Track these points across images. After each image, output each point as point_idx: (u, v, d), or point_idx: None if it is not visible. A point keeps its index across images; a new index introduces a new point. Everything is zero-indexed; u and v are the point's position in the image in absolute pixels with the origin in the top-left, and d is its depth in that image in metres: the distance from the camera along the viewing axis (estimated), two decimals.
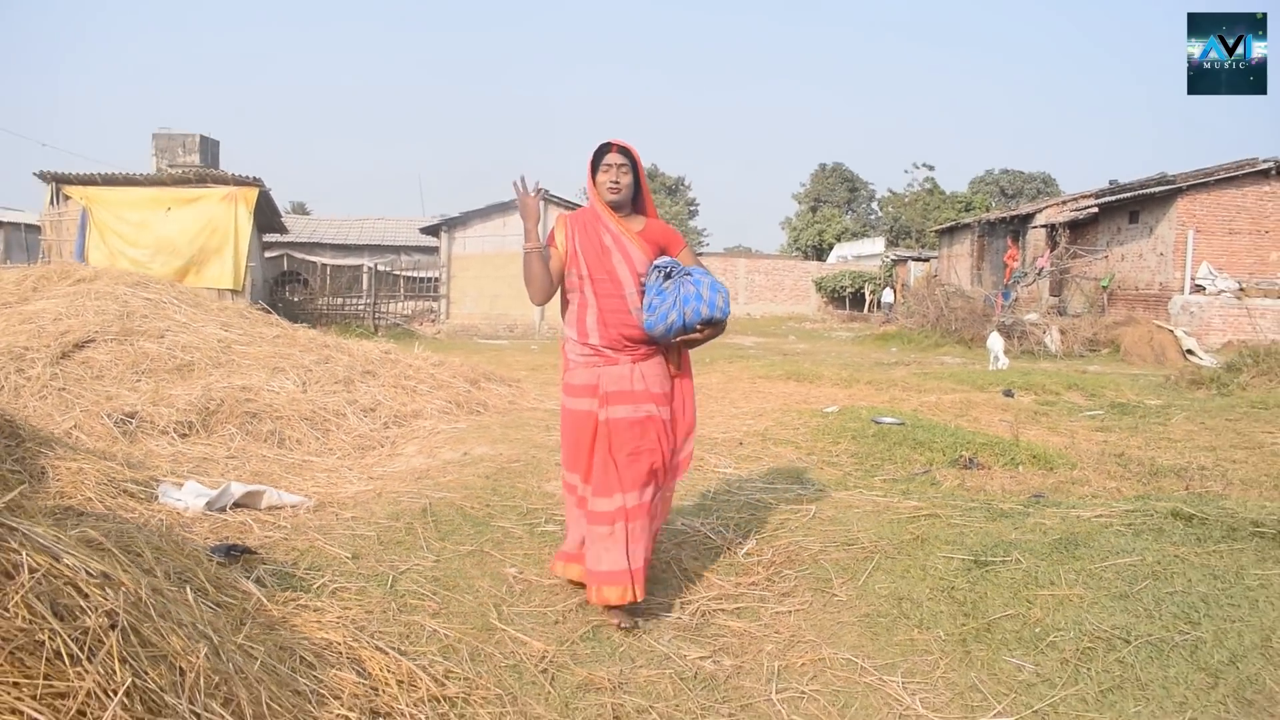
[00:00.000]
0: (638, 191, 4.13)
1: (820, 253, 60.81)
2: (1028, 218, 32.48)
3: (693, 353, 4.36)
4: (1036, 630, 3.64)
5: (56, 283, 9.12)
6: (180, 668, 2.30)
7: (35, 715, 1.97)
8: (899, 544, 4.61)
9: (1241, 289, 22.91)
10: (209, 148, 27.62)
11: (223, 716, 2.26)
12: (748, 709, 3.29)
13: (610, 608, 3.89)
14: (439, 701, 2.93)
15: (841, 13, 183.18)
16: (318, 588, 3.77)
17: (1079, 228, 28.97)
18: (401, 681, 2.95)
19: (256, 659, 2.61)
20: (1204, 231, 24.02)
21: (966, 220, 39.40)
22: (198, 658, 2.34)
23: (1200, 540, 4.40)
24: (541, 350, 21.60)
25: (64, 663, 2.06)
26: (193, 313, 8.75)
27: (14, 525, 2.33)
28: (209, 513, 4.68)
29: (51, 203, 22.84)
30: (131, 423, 6.48)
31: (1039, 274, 28.88)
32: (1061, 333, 22.95)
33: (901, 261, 44.37)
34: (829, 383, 13.95)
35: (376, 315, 29.19)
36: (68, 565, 2.30)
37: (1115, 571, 4.00)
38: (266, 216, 25.73)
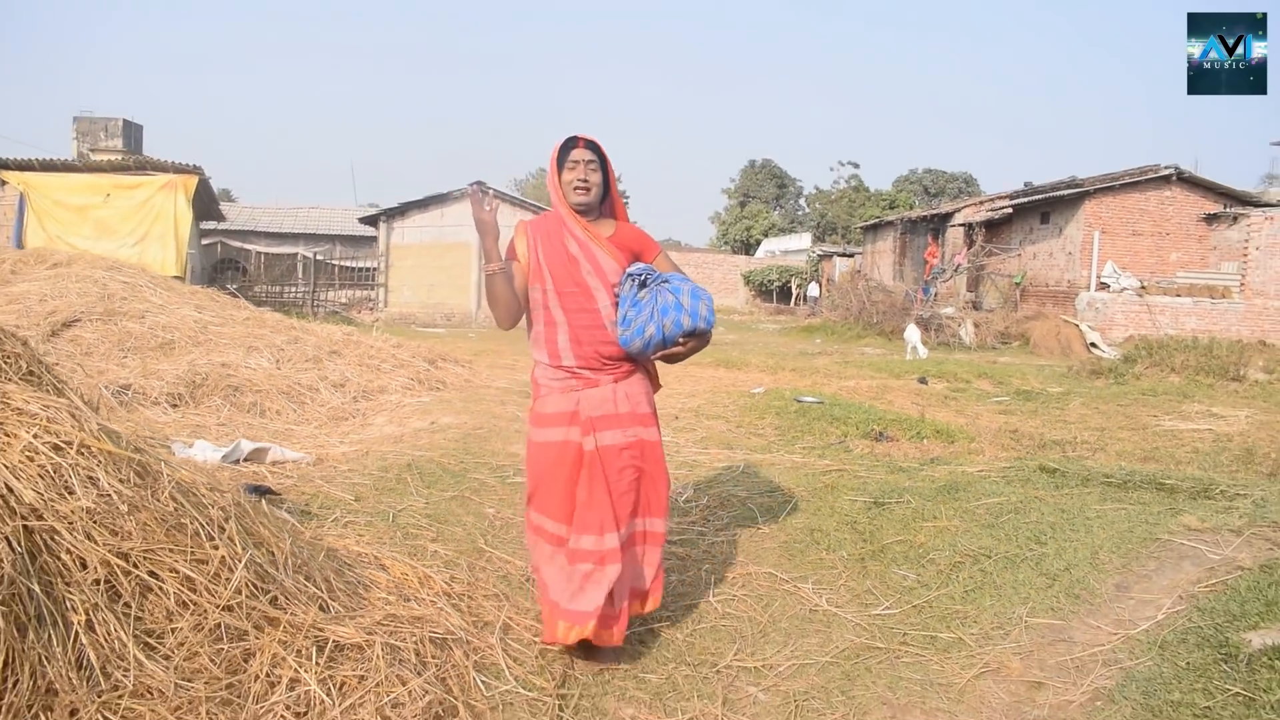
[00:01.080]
0: (605, 193, 3.68)
1: (749, 247, 62.11)
2: (947, 216, 33.84)
3: None
4: (919, 551, 4.56)
5: (34, 266, 9.66)
6: (272, 551, 3.07)
7: (189, 573, 2.74)
8: (812, 491, 5.52)
9: (1143, 287, 24.35)
10: (132, 132, 27.59)
11: (307, 586, 3.04)
12: (691, 608, 4.15)
13: (574, 646, 3.53)
14: (450, 596, 3.72)
15: (774, 5, 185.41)
16: (333, 520, 4.54)
17: (995, 227, 30.35)
18: (420, 580, 3.74)
19: (319, 554, 3.39)
20: (1109, 232, 25.48)
21: (890, 218, 40.77)
22: (285, 545, 3.12)
23: (1058, 487, 5.37)
24: (479, 338, 22.25)
25: (201, 539, 2.83)
26: (167, 295, 9.37)
27: (145, 447, 3.08)
28: (224, 464, 5.41)
29: None
30: (127, 394, 7.13)
31: (956, 270, 30.23)
32: (976, 326, 24.22)
33: (827, 257, 45.68)
34: (756, 369, 14.90)
35: (315, 303, 29.57)
36: (185, 476, 3.06)
37: (986, 508, 4.93)
38: (204, 204, 25.97)
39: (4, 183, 22.53)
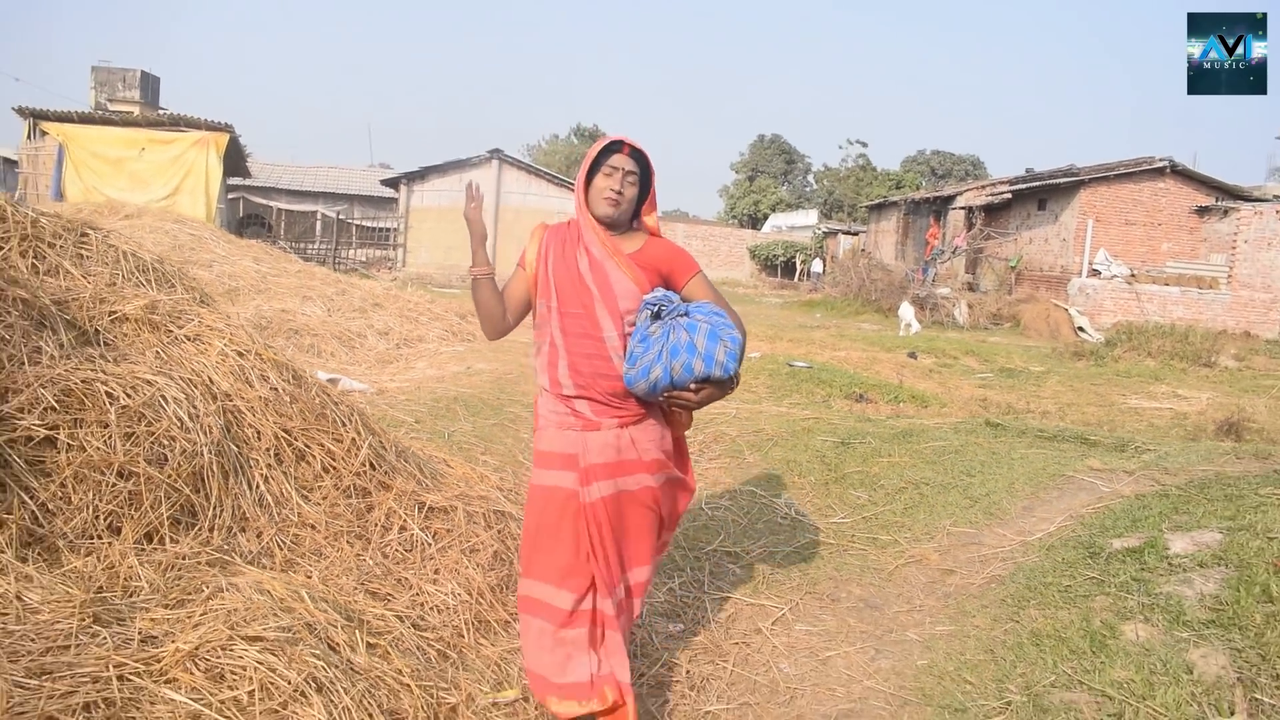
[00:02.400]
0: (639, 207, 3.25)
1: (756, 222, 62.99)
2: (949, 199, 34.71)
3: None
4: (873, 478, 5.65)
5: (108, 217, 10.69)
6: (382, 440, 4.17)
7: (330, 448, 3.83)
8: (792, 433, 6.60)
9: (1133, 275, 25.30)
10: (150, 84, 28.48)
11: (407, 466, 4.14)
12: (687, 512, 5.23)
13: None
14: (502, 490, 4.80)
15: None
16: (400, 435, 5.63)
17: (994, 211, 31.24)
18: (478, 478, 4.83)
19: (408, 449, 4.48)
20: (1103, 221, 26.44)
21: (894, 198, 41.61)
22: (391, 436, 4.22)
23: (995, 436, 6.45)
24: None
25: (337, 424, 3.93)
26: (229, 247, 10.46)
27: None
28: None
29: (29, 137, 23.85)
30: None
31: (955, 252, 31.17)
32: (969, 306, 25.21)
33: (832, 234, 46.59)
34: (755, 339, 15.91)
35: (336, 261, 30.62)
36: (321, 381, 4.15)
37: (931, 449, 6.02)
38: (233, 161, 26.94)
39: (44, 134, 23.51)
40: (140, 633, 2.69)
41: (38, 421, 3.16)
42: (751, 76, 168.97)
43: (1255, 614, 3.42)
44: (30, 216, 4.02)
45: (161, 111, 25.46)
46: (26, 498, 3.05)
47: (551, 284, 3.15)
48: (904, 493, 5.42)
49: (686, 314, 3.03)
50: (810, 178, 74.37)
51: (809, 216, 55.24)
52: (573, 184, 3.14)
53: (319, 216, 35.40)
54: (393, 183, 32.58)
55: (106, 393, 3.31)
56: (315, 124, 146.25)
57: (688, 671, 3.60)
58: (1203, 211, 26.77)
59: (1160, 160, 26.45)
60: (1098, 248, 26.29)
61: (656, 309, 3.05)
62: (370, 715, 2.66)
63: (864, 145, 68.22)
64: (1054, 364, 16.63)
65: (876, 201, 44.29)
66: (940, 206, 35.12)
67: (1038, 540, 4.69)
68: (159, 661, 2.59)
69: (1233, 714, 3.10)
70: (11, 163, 27.26)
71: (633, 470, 3.13)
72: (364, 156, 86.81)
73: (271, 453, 3.70)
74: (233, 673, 2.60)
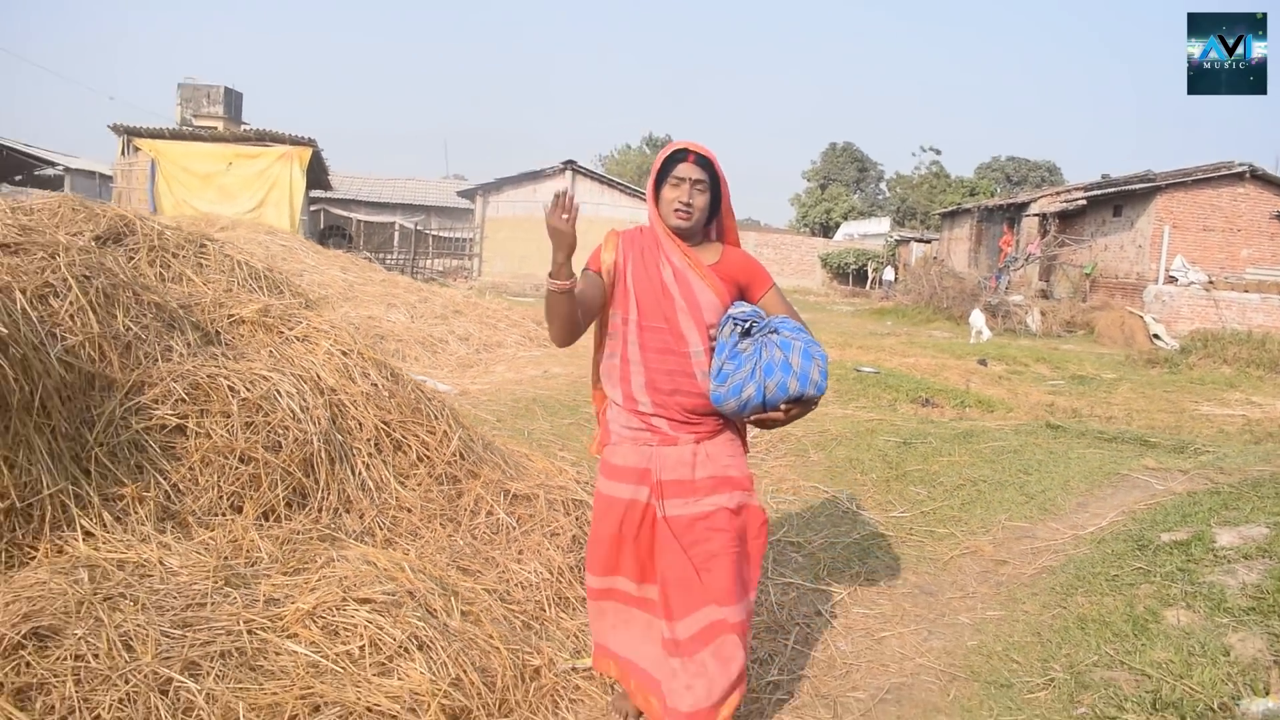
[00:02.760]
0: (713, 215, 3.18)
1: (828, 230, 62.84)
2: (1023, 206, 34.44)
3: None
4: (932, 476, 5.88)
5: (205, 229, 11.31)
6: (470, 433, 4.53)
7: (424, 439, 4.20)
8: (856, 433, 6.85)
9: (1211, 282, 24.90)
10: (233, 99, 29.59)
11: (492, 457, 4.50)
12: None
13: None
14: (579, 482, 5.14)
15: None
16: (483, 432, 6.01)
17: (1069, 218, 30.94)
18: (557, 471, 5.17)
19: (492, 442, 4.84)
20: (1180, 227, 26.07)
21: (968, 205, 41.32)
22: (478, 430, 4.58)
23: (1055, 437, 6.64)
24: None
25: (430, 418, 4.30)
26: (317, 258, 11.01)
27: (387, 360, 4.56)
28: None
29: (123, 153, 24.94)
30: None
31: (1029, 259, 30.92)
32: (1042, 314, 25.02)
33: (905, 242, 46.38)
34: (825, 345, 15.97)
35: (414, 270, 31.42)
36: (415, 379, 4.53)
37: (991, 449, 6.23)
38: (316, 174, 27.83)
39: (137, 150, 24.57)
40: (264, 595, 3.07)
41: (170, 411, 3.57)
42: (822, 84, 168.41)
43: None
44: (156, 229, 4.46)
45: (245, 127, 26.42)
46: (161, 479, 3.46)
47: (631, 295, 3.08)
48: (962, 489, 5.65)
49: (775, 331, 2.99)
50: (883, 185, 73.96)
51: (881, 224, 55.01)
52: (644, 193, 2.94)
53: (397, 227, 36.31)
54: (468, 194, 33.42)
55: (229, 387, 3.71)
56: (392, 137, 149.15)
57: (752, 647, 3.89)
58: None
59: (1240, 165, 26.03)
60: (1174, 254, 25.94)
61: (747, 325, 3.00)
62: (465, 671, 3.00)
63: (937, 152, 67.71)
64: (1126, 371, 16.54)
65: (950, 209, 44.00)
66: (1014, 213, 34.86)
67: (1089, 534, 4.90)
68: (282, 619, 2.96)
69: (1268, 693, 3.28)
70: (107, 178, 28.46)
71: (704, 491, 3.04)
72: (440, 168, 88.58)
73: (372, 442, 4.08)
74: (346, 630, 2.96)
